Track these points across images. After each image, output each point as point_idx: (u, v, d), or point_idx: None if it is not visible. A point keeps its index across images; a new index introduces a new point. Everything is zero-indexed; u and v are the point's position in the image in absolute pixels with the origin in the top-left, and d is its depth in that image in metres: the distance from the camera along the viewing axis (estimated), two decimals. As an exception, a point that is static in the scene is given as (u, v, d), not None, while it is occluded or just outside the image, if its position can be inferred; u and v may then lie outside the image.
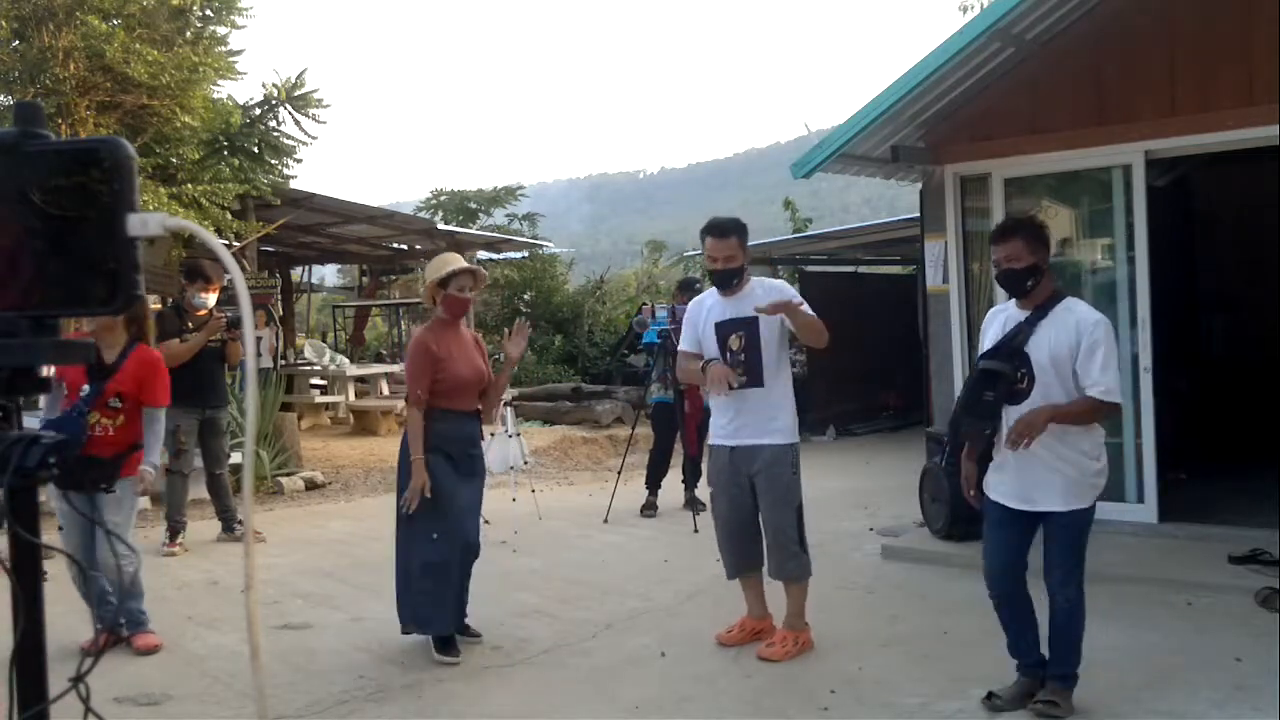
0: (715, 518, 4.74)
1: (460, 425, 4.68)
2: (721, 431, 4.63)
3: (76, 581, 4.43)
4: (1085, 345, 3.57)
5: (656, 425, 8.25)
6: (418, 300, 15.58)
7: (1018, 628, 3.85)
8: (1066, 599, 3.70)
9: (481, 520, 4.95)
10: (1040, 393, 3.60)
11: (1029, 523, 3.76)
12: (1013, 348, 3.65)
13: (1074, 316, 3.64)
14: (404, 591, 4.60)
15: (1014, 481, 3.72)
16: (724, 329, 4.53)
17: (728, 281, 4.55)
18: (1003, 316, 3.83)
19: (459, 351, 4.66)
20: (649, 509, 8.04)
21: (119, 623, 4.72)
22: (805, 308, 4.49)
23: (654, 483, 8.13)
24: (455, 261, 4.72)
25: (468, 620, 4.80)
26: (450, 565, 4.55)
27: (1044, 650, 3.82)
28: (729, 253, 4.49)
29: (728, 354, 4.53)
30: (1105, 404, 3.58)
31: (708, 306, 4.65)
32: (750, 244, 4.74)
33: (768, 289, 4.57)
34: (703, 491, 7.78)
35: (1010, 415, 3.65)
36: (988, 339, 3.84)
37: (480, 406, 4.83)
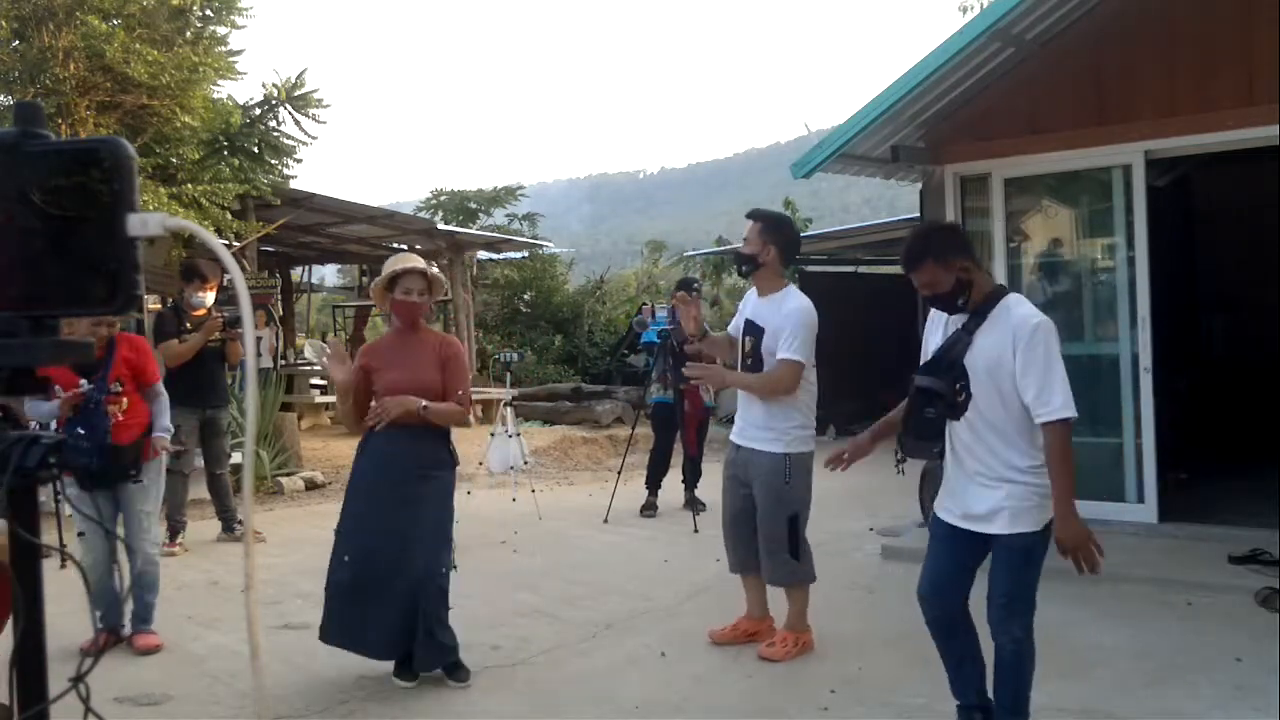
0: (722, 511, 4.79)
1: (394, 442, 4.19)
2: (735, 429, 4.69)
3: (90, 581, 4.45)
4: (1020, 357, 3.14)
5: (656, 425, 8.25)
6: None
7: (955, 661, 3.46)
8: (1011, 639, 3.26)
9: (451, 559, 4.47)
10: (981, 406, 3.23)
11: (974, 544, 3.36)
12: (950, 360, 3.30)
13: (1010, 320, 3.21)
14: (325, 603, 4.27)
15: (953, 495, 3.40)
16: (746, 329, 4.58)
17: (738, 267, 4.63)
18: (943, 319, 3.44)
19: (399, 359, 4.26)
20: (649, 509, 8.04)
21: (121, 624, 4.75)
22: (782, 346, 4.34)
23: (654, 483, 8.13)
24: (403, 261, 4.30)
25: (456, 658, 4.29)
26: (345, 592, 4.13)
27: (991, 695, 3.45)
28: (746, 235, 4.58)
29: (742, 353, 4.59)
30: (1059, 424, 3.13)
31: (747, 302, 4.70)
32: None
33: (784, 306, 4.47)
34: (703, 492, 7.82)
35: (951, 429, 3.33)
36: (930, 347, 3.47)
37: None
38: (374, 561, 4.14)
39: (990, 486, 3.27)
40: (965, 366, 3.26)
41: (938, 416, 3.33)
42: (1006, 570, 3.27)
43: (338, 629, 4.22)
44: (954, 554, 3.41)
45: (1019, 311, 3.24)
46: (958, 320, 3.34)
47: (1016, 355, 3.15)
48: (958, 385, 3.27)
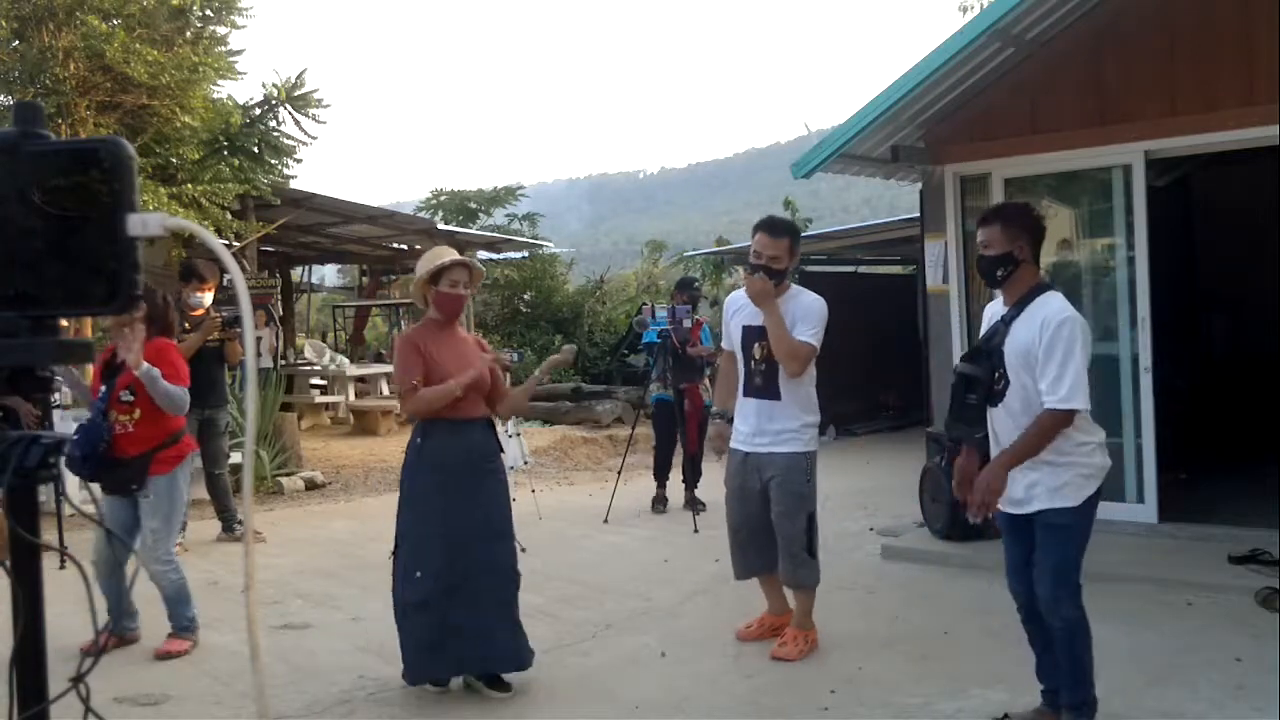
0: (727, 520, 4.74)
1: (457, 437, 4.11)
2: (739, 436, 4.61)
3: (100, 578, 4.43)
4: (1044, 346, 3.29)
5: (657, 423, 8.23)
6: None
7: (1041, 647, 3.59)
8: (1061, 619, 3.38)
9: (517, 546, 4.34)
10: (1016, 394, 3.38)
11: (1030, 528, 3.49)
12: (989, 347, 3.47)
13: (1043, 312, 3.36)
14: (400, 634, 4.13)
15: (1009, 485, 3.45)
16: (750, 335, 4.51)
17: (771, 279, 4.46)
18: (993, 316, 3.62)
19: (452, 352, 4.13)
20: (660, 503, 8.07)
21: (130, 628, 4.78)
22: (801, 331, 4.38)
23: (662, 477, 8.14)
24: (447, 254, 4.25)
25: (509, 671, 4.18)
26: (434, 607, 3.98)
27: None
28: (776, 253, 4.39)
29: (750, 361, 4.52)
30: (1061, 413, 3.25)
31: (738, 306, 4.64)
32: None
33: (799, 303, 4.48)
34: (703, 492, 7.83)
35: (992, 418, 3.47)
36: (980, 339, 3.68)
37: (491, 412, 4.30)
38: (460, 568, 4.00)
39: (1029, 471, 3.38)
40: (1003, 354, 3.42)
41: (978, 402, 3.46)
42: (1046, 547, 3.40)
43: (429, 658, 4.04)
44: (1021, 544, 3.53)
45: (1053, 305, 3.40)
46: (1000, 312, 3.54)
47: (1040, 343, 3.31)
48: (995, 373, 3.42)
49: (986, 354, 3.47)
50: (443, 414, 4.09)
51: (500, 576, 4.11)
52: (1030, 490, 3.40)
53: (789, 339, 4.36)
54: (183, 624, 4.75)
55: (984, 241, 3.51)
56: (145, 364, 4.40)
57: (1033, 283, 3.47)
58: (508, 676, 4.16)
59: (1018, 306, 3.44)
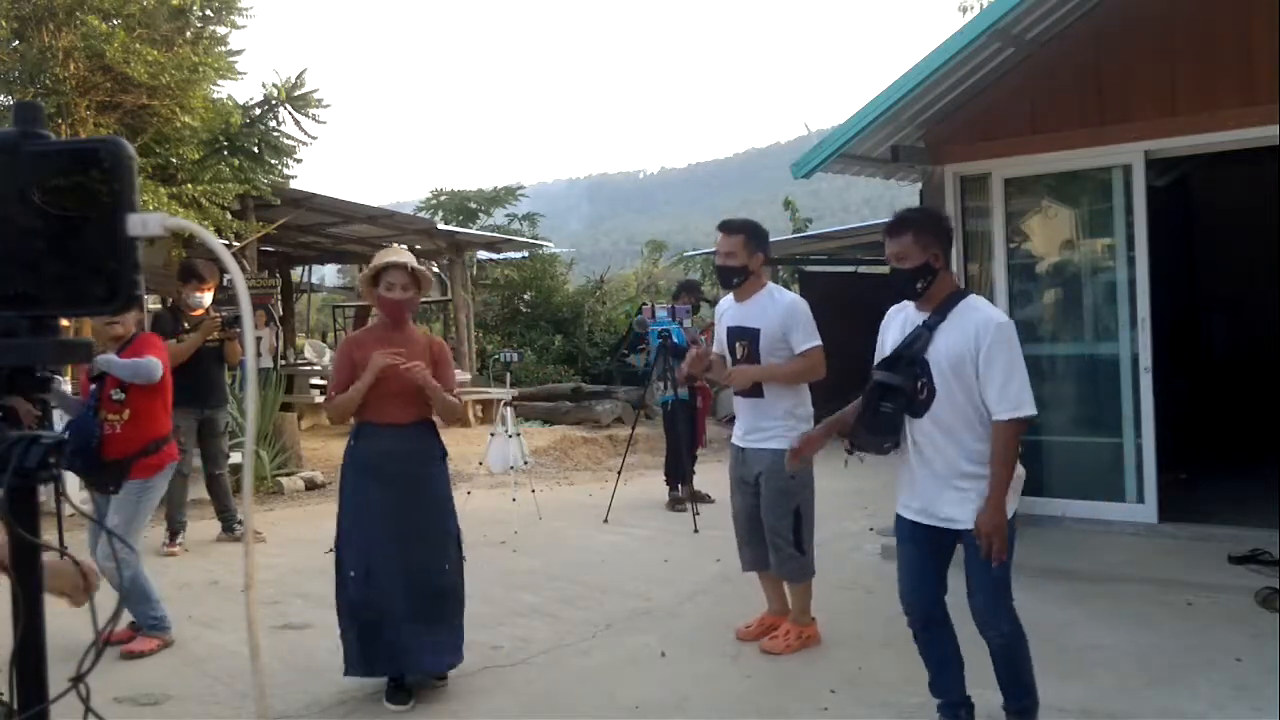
0: (732, 512, 4.83)
1: (381, 440, 4.10)
2: (736, 432, 4.74)
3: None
4: (984, 355, 3.18)
5: (672, 423, 8.19)
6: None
7: (936, 661, 3.51)
8: (999, 633, 3.34)
9: (458, 552, 4.24)
10: (945, 403, 3.26)
11: (941, 540, 3.38)
12: (911, 355, 3.32)
13: (974, 319, 3.25)
14: (340, 630, 4.15)
15: (915, 493, 3.40)
16: (731, 335, 4.62)
17: (727, 279, 4.65)
18: (901, 317, 3.48)
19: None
20: (678, 503, 8.08)
21: (142, 625, 4.75)
22: (798, 340, 4.43)
23: (674, 479, 8.15)
24: (388, 255, 4.14)
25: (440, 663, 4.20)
26: (368, 607, 4.00)
27: (969, 692, 3.52)
28: (729, 249, 4.55)
29: (734, 361, 4.63)
30: (1017, 422, 3.19)
31: (723, 311, 4.76)
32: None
33: (776, 303, 4.55)
34: (705, 487, 7.84)
35: (912, 426, 3.35)
36: (887, 343, 3.50)
37: (433, 416, 4.22)
38: (385, 573, 4.01)
39: (960, 485, 3.29)
40: (927, 362, 3.30)
41: (895, 412, 3.36)
42: (980, 564, 3.29)
43: (361, 657, 4.05)
44: (924, 555, 3.44)
45: (983, 311, 3.31)
46: (916, 318, 3.40)
47: (980, 353, 3.21)
48: (919, 382, 3.30)
49: (909, 361, 3.32)
50: (370, 418, 4.12)
51: (429, 579, 4.08)
52: (963, 508, 3.27)
53: (789, 371, 4.46)
54: (147, 622, 4.70)
55: (896, 254, 3.33)
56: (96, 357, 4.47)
57: (952, 288, 3.37)
58: (413, 684, 4.13)
59: (939, 313, 3.31)
